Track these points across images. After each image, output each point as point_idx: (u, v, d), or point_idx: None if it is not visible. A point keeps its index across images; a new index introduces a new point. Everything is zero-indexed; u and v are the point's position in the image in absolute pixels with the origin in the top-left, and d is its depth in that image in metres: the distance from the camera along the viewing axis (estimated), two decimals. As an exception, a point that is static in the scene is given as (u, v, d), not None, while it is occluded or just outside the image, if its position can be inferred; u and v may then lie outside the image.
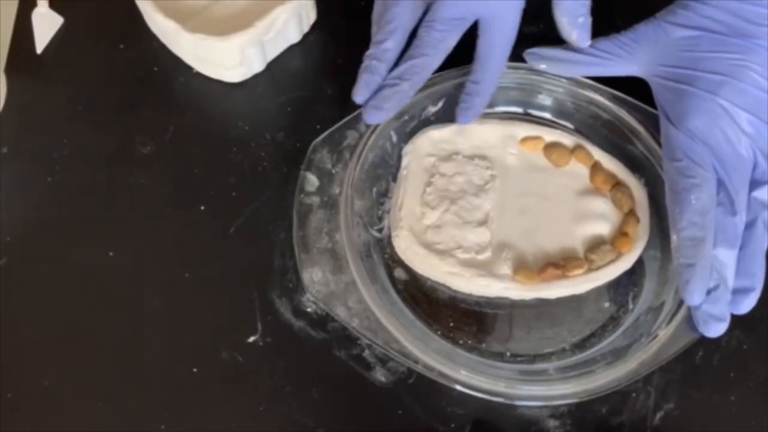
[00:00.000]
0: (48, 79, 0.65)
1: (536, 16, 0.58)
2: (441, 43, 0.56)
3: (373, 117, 0.56)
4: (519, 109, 0.62)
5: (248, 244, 0.58)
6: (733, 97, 0.54)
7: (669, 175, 0.54)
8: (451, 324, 0.55)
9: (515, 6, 0.57)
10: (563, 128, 0.61)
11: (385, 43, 0.56)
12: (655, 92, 0.57)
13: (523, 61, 0.59)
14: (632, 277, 0.56)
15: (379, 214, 0.58)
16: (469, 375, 0.51)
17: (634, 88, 0.59)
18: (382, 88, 0.56)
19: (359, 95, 0.56)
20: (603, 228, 0.57)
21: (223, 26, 0.62)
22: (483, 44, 0.57)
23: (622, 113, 0.60)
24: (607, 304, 0.56)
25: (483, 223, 0.57)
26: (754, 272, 0.53)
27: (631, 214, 0.57)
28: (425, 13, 0.57)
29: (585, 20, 0.57)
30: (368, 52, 0.56)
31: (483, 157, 0.59)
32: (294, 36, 0.65)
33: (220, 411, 0.53)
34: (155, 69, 0.65)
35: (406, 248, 0.56)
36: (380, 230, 0.58)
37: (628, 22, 0.58)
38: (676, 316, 0.53)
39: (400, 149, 0.60)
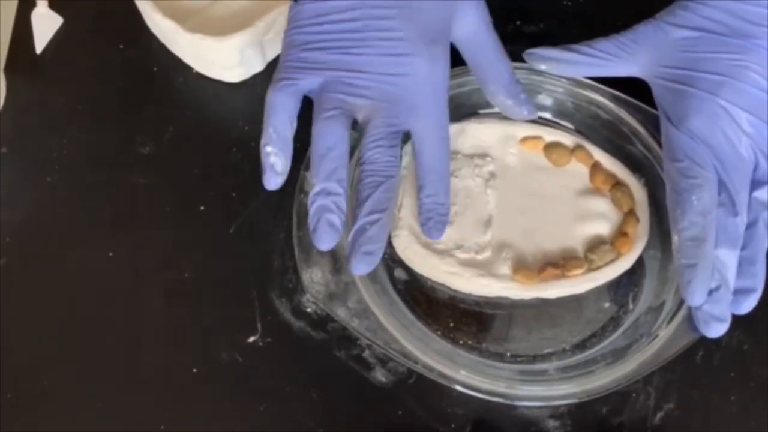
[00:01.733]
0: (48, 79, 0.65)
1: (536, 16, 0.58)
2: (395, 158, 0.52)
3: (369, 264, 0.50)
4: (519, 109, 0.62)
5: (248, 244, 0.58)
6: (734, 97, 0.54)
7: (670, 175, 0.54)
8: (451, 324, 0.55)
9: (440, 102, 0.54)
10: (563, 128, 0.61)
11: (338, 171, 0.51)
12: (655, 93, 0.57)
13: (523, 61, 0.59)
14: (632, 277, 0.56)
15: (379, 214, 0.58)
16: (469, 375, 0.52)
17: (634, 88, 0.59)
18: (362, 230, 0.50)
19: (325, 241, 0.50)
20: (603, 228, 0.57)
21: (223, 26, 0.62)
22: (425, 154, 0.53)
23: (623, 113, 0.60)
24: (607, 305, 0.56)
25: (483, 222, 0.57)
26: (756, 273, 0.52)
27: (631, 214, 0.57)
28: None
29: (526, 95, 0.58)
30: (316, 190, 0.50)
31: (483, 157, 0.59)
32: (294, 36, 0.65)
33: (220, 411, 0.53)
34: (155, 69, 0.65)
35: (406, 248, 0.56)
36: (380, 230, 0.58)
37: (628, 22, 0.58)
38: (677, 316, 0.53)
39: (400, 149, 0.60)
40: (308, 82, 0.53)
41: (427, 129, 0.54)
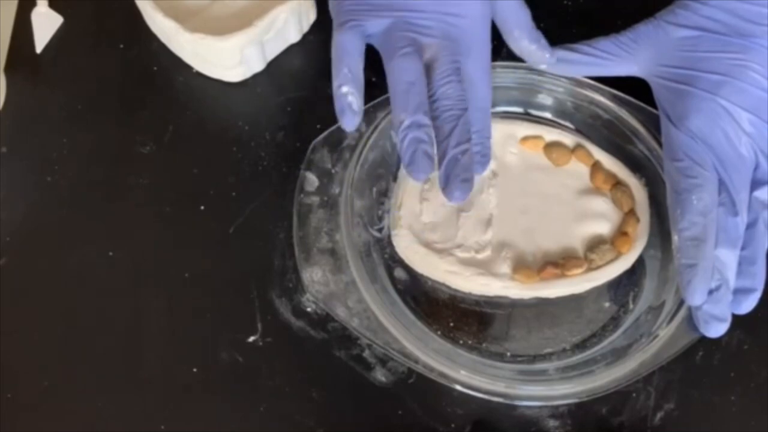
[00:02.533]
0: (48, 78, 0.65)
1: (536, 16, 0.58)
2: (464, 91, 0.53)
3: (466, 191, 0.51)
4: (519, 109, 0.62)
5: (248, 244, 0.58)
6: (734, 96, 0.54)
7: (670, 175, 0.54)
8: (451, 324, 0.55)
9: (486, 41, 0.55)
10: (564, 128, 0.61)
11: (423, 104, 0.52)
12: (655, 92, 0.57)
13: (523, 60, 0.59)
14: (632, 277, 0.56)
15: (379, 213, 0.58)
16: (469, 375, 0.52)
17: (634, 88, 0.59)
18: (454, 160, 0.51)
19: (423, 170, 0.51)
20: (603, 227, 0.57)
21: (223, 26, 0.62)
22: (477, 92, 0.54)
23: (623, 113, 0.59)
24: (607, 304, 0.56)
25: (483, 221, 0.57)
26: (756, 272, 0.52)
27: (631, 213, 0.57)
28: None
29: (546, 42, 0.58)
30: (407, 123, 0.51)
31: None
32: (294, 36, 0.65)
33: (220, 411, 0.53)
34: (155, 69, 0.65)
35: (406, 247, 0.56)
36: (380, 230, 0.58)
37: (628, 22, 0.58)
38: (677, 316, 0.53)
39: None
40: (374, 24, 0.54)
41: (479, 68, 0.55)
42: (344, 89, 0.52)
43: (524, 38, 0.57)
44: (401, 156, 0.51)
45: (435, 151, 0.51)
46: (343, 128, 0.53)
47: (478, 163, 0.54)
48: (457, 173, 0.51)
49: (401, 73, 0.52)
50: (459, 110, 0.52)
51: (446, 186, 0.51)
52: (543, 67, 0.59)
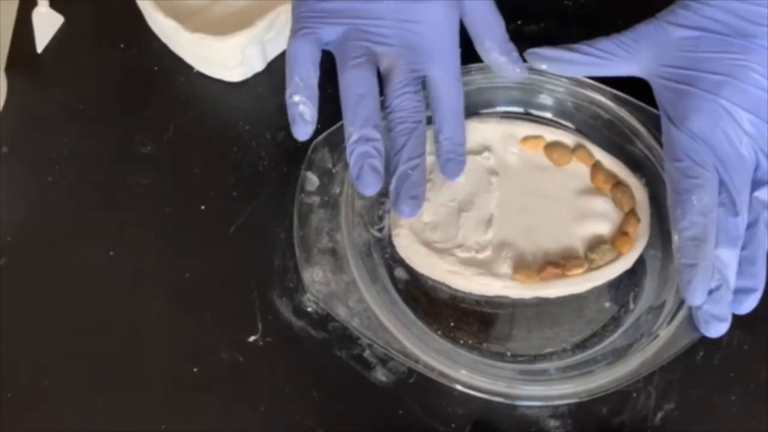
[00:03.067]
0: (48, 78, 0.65)
1: (536, 16, 0.58)
2: (421, 103, 0.54)
3: (415, 207, 0.52)
4: (520, 109, 0.62)
5: (248, 244, 0.58)
6: (734, 97, 0.54)
7: (670, 175, 0.54)
8: (452, 324, 0.55)
9: (453, 55, 0.55)
10: (564, 128, 0.61)
11: (373, 117, 0.51)
12: (656, 92, 0.57)
13: (523, 60, 0.59)
14: (633, 277, 0.56)
15: (379, 213, 0.58)
16: (470, 375, 0.52)
17: (635, 88, 0.59)
18: (404, 176, 0.51)
19: (370, 186, 0.51)
20: (603, 227, 0.57)
21: (224, 25, 0.62)
22: (443, 97, 0.54)
23: (623, 113, 0.59)
24: (607, 304, 0.56)
25: (483, 221, 0.57)
26: (756, 272, 0.52)
27: (631, 213, 0.57)
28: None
29: (517, 54, 0.58)
30: (354, 138, 0.51)
31: (483, 156, 0.59)
32: (294, 35, 0.65)
33: (220, 411, 0.53)
34: (155, 68, 0.65)
35: (407, 247, 0.56)
36: (381, 230, 0.58)
37: (628, 22, 0.58)
38: (677, 315, 0.53)
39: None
40: (329, 32, 0.53)
41: (444, 73, 0.54)
42: (296, 98, 0.52)
43: (495, 50, 0.57)
44: (350, 170, 0.51)
45: (382, 164, 0.51)
46: (295, 137, 0.52)
47: (451, 169, 0.54)
48: (406, 189, 0.51)
49: (351, 84, 0.52)
50: (413, 123, 0.52)
51: (395, 201, 0.52)
52: (543, 67, 0.59)
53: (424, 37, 0.54)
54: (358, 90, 0.52)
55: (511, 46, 0.57)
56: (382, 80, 0.54)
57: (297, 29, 0.54)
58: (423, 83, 0.55)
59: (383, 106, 0.53)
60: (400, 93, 0.52)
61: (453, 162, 0.54)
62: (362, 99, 0.52)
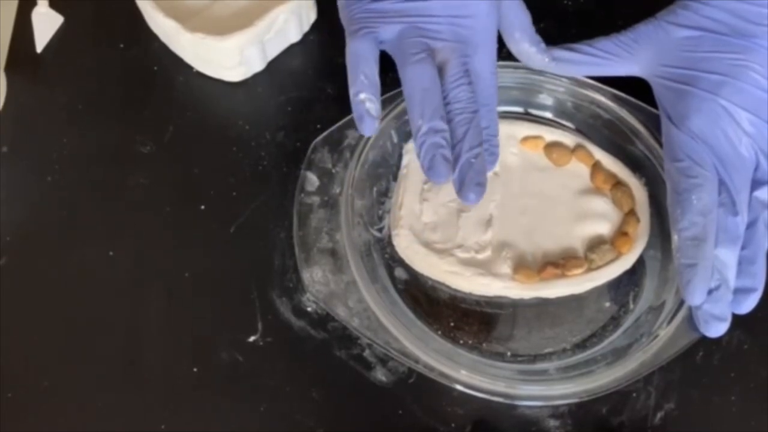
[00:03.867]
0: (48, 78, 0.65)
1: (536, 16, 0.58)
2: (474, 93, 0.54)
3: (480, 194, 0.52)
4: (520, 109, 0.62)
5: (248, 244, 0.58)
6: (734, 97, 0.54)
7: (670, 175, 0.54)
8: (452, 324, 0.55)
9: (492, 38, 0.56)
10: (564, 128, 0.61)
11: (440, 109, 0.52)
12: (656, 92, 0.57)
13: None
14: (633, 277, 0.56)
15: (379, 213, 0.58)
16: (470, 375, 0.52)
17: (635, 88, 0.59)
18: (468, 164, 0.52)
19: (443, 175, 0.51)
20: (603, 228, 0.57)
21: (224, 25, 0.62)
22: (484, 88, 0.55)
23: (623, 113, 0.59)
24: (607, 304, 0.56)
25: (483, 221, 0.57)
26: (756, 272, 0.52)
27: (631, 213, 0.57)
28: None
29: (546, 46, 0.58)
30: (424, 130, 0.51)
31: (483, 157, 0.59)
32: (294, 35, 0.65)
33: (220, 411, 0.53)
34: (155, 68, 0.65)
35: (407, 247, 0.56)
36: (380, 230, 0.58)
37: (628, 22, 0.58)
38: (677, 315, 0.53)
39: (401, 148, 0.60)
40: (386, 31, 0.54)
41: (486, 65, 0.55)
42: (362, 96, 0.52)
43: (525, 41, 0.57)
44: (420, 161, 0.52)
45: (450, 153, 0.52)
46: (361, 133, 0.53)
47: (487, 161, 0.54)
48: (472, 177, 0.52)
49: (416, 79, 0.53)
50: (470, 113, 0.53)
51: (461, 189, 0.52)
52: (542, 66, 0.59)
53: (472, 29, 0.55)
54: (423, 84, 0.53)
55: (539, 38, 0.58)
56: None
57: (356, 29, 0.54)
58: None
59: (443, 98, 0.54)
60: (456, 84, 0.53)
61: (488, 153, 0.54)
62: (427, 92, 0.52)
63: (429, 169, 0.51)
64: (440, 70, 0.54)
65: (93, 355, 0.55)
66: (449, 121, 0.53)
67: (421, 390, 0.53)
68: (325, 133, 0.59)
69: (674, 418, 0.53)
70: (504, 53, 0.60)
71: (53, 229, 0.59)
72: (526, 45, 0.58)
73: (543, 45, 0.58)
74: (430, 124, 0.52)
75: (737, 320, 0.52)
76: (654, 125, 0.58)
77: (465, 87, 0.53)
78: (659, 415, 0.53)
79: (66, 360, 0.55)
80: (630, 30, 0.58)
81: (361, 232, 0.57)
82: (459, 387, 0.51)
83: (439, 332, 0.55)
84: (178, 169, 0.61)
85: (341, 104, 0.60)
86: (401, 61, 0.54)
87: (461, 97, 0.53)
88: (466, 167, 0.52)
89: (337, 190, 0.57)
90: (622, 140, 0.60)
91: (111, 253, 0.58)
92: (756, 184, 0.54)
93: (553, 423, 0.53)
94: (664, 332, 0.53)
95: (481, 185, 0.52)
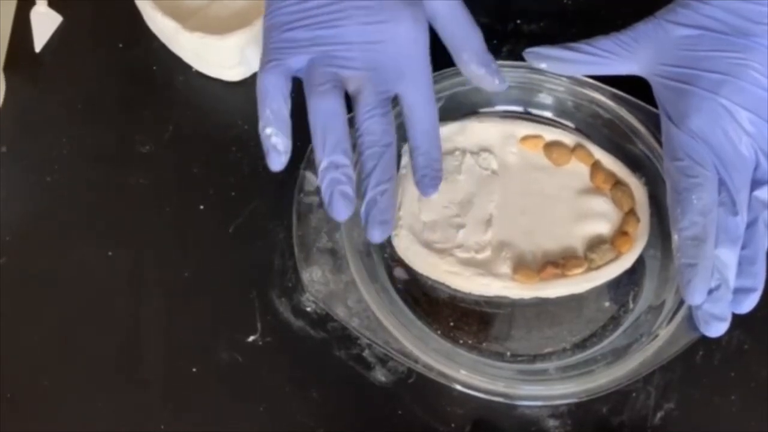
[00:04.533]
0: (47, 78, 0.65)
1: (536, 16, 0.58)
2: (391, 125, 0.53)
3: (384, 232, 0.52)
4: (519, 108, 0.62)
5: (248, 244, 0.58)
6: (734, 96, 0.53)
7: (670, 174, 0.54)
8: (451, 323, 0.55)
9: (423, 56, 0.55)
10: (564, 127, 0.61)
11: (342, 143, 0.51)
12: (655, 91, 0.57)
13: (523, 60, 0.59)
14: (632, 277, 0.56)
15: (379, 213, 0.58)
16: (469, 375, 0.52)
17: (635, 87, 0.59)
18: (373, 201, 0.51)
19: (342, 213, 0.51)
20: (603, 227, 0.57)
21: (223, 25, 0.62)
22: (416, 115, 0.54)
23: (623, 112, 0.59)
24: (607, 304, 0.56)
25: (483, 221, 0.57)
26: (756, 272, 0.52)
27: (631, 213, 0.57)
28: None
29: (497, 66, 0.57)
30: (324, 165, 0.51)
31: (483, 156, 0.59)
32: (294, 35, 0.65)
33: (220, 411, 0.53)
34: (155, 68, 0.65)
35: (406, 248, 0.56)
36: (380, 230, 0.58)
37: (628, 21, 0.58)
38: (677, 315, 0.53)
39: (400, 149, 0.60)
40: (296, 61, 0.53)
41: (415, 91, 0.54)
42: (268, 131, 0.52)
43: (473, 62, 0.57)
44: (322, 196, 0.51)
45: (353, 188, 0.51)
46: (269, 168, 0.53)
47: (427, 185, 0.54)
48: (375, 214, 0.51)
49: (317, 112, 0.52)
50: (382, 147, 0.52)
51: (365, 226, 0.51)
52: (543, 66, 0.59)
53: (392, 57, 0.53)
54: (324, 116, 0.52)
55: (489, 57, 0.57)
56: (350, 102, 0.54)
57: (266, 61, 0.53)
58: (394, 100, 0.55)
59: (353, 128, 0.53)
60: (368, 117, 0.52)
61: (428, 177, 0.54)
62: (329, 125, 0.52)
63: (328, 206, 0.51)
64: (354, 100, 0.53)
65: (93, 355, 0.55)
66: (360, 154, 0.52)
67: (421, 390, 0.53)
68: (324, 133, 0.59)
69: (674, 418, 0.53)
70: (504, 53, 0.60)
71: (53, 229, 0.59)
72: (474, 66, 0.57)
73: (494, 66, 0.57)
74: (330, 159, 0.51)
75: (737, 320, 0.52)
76: (654, 124, 0.58)
77: (377, 119, 0.52)
78: (659, 415, 0.53)
79: (66, 360, 0.55)
80: (630, 29, 0.58)
81: (361, 232, 0.57)
82: (458, 387, 0.51)
83: (439, 332, 0.55)
84: (178, 169, 0.61)
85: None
86: (307, 93, 0.53)
87: (372, 129, 0.52)
88: (371, 204, 0.51)
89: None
90: (622, 139, 0.60)
91: (111, 253, 0.58)
92: (756, 183, 0.54)
93: (552, 423, 0.53)
94: (664, 332, 0.53)
95: (384, 223, 0.51)
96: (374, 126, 0.52)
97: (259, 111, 0.53)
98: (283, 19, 0.54)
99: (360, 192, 0.52)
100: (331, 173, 0.51)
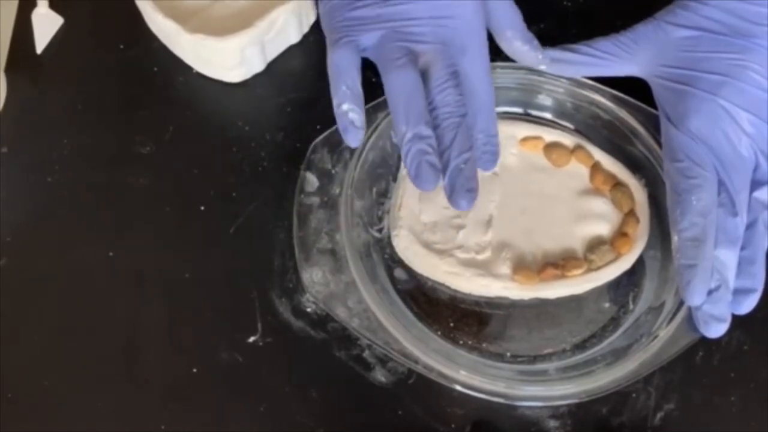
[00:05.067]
0: (48, 79, 0.65)
1: (536, 17, 0.58)
2: (462, 96, 0.53)
3: (471, 200, 0.51)
4: (519, 109, 0.62)
5: (248, 244, 0.58)
6: (733, 97, 0.54)
7: (670, 175, 0.54)
8: (451, 324, 0.55)
9: (481, 35, 0.55)
10: (563, 128, 0.61)
11: (424, 114, 0.52)
12: (655, 92, 0.57)
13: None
14: (632, 278, 0.56)
15: (379, 214, 0.58)
16: (469, 375, 0.52)
17: (634, 89, 0.59)
18: (458, 170, 0.51)
19: (430, 182, 0.51)
20: (603, 228, 0.57)
21: (223, 26, 0.62)
22: (477, 91, 0.54)
23: (623, 113, 0.59)
24: (607, 305, 0.56)
25: (483, 222, 0.57)
26: (755, 273, 0.52)
27: (631, 214, 0.57)
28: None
29: (538, 43, 0.57)
30: (409, 136, 0.51)
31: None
32: (294, 36, 0.65)
33: (220, 411, 0.53)
34: (155, 69, 0.65)
35: (406, 248, 0.56)
36: (380, 230, 0.58)
37: (628, 22, 0.58)
38: (677, 316, 0.53)
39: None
40: (368, 38, 0.54)
41: (476, 66, 0.54)
42: (345, 107, 0.52)
43: (517, 39, 0.57)
44: (407, 168, 0.52)
45: (437, 159, 0.51)
46: (347, 144, 0.53)
47: (487, 161, 0.54)
48: (462, 183, 0.51)
49: (398, 86, 0.52)
50: (458, 117, 0.52)
51: (451, 195, 0.51)
52: (542, 67, 0.59)
53: (457, 31, 0.54)
54: (405, 90, 0.52)
55: (531, 35, 0.57)
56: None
57: (336, 39, 0.54)
58: None
59: (428, 103, 0.53)
60: (442, 89, 0.53)
61: (489, 153, 0.54)
62: (410, 98, 0.52)
63: (416, 177, 0.51)
64: (425, 74, 0.53)
65: (93, 355, 0.55)
66: (436, 127, 0.52)
67: (421, 390, 0.53)
68: (325, 134, 0.59)
69: (674, 419, 0.53)
70: (504, 54, 0.60)
71: (53, 229, 0.59)
72: (519, 43, 0.57)
73: (536, 42, 0.57)
74: (415, 131, 0.51)
75: (737, 320, 0.52)
76: (653, 126, 0.58)
77: (451, 90, 0.53)
78: (659, 415, 0.53)
79: (66, 360, 0.55)
80: (629, 30, 0.58)
81: (361, 233, 0.57)
82: (459, 387, 0.51)
83: (439, 333, 0.55)
84: (178, 169, 0.61)
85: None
86: (383, 68, 0.53)
87: (447, 101, 0.52)
88: (456, 173, 0.51)
89: (337, 191, 0.57)
90: (622, 141, 0.60)
91: (111, 253, 0.58)
92: (755, 184, 0.54)
93: (552, 423, 0.53)
94: (664, 332, 0.53)
95: (471, 191, 0.51)
96: (449, 98, 0.52)
97: (332, 88, 0.53)
98: None
99: (442, 163, 0.52)
100: (417, 144, 0.51)
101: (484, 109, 0.54)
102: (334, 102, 0.52)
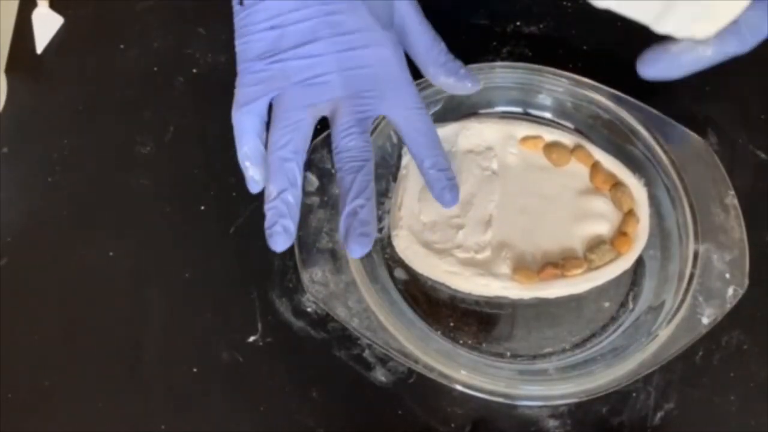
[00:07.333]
0: (48, 79, 0.65)
1: (536, 16, 0.58)
2: (368, 143, 0.53)
3: (365, 245, 0.51)
4: (519, 109, 0.62)
5: (248, 244, 0.58)
6: None
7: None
8: (452, 324, 0.55)
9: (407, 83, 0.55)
10: (563, 128, 0.61)
11: (297, 177, 0.52)
12: None
13: (522, 60, 0.59)
14: (632, 277, 0.56)
15: (379, 214, 0.58)
16: (469, 375, 0.52)
17: (635, 88, 0.59)
18: (353, 214, 0.51)
19: (278, 245, 0.51)
20: (602, 228, 0.57)
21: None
22: (411, 132, 0.54)
23: (623, 113, 0.59)
24: (607, 304, 0.56)
25: (483, 222, 0.57)
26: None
27: (630, 213, 0.57)
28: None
29: (465, 70, 0.56)
30: (271, 203, 0.52)
31: (482, 157, 0.59)
32: (294, 36, 0.65)
33: (220, 411, 0.53)
34: (155, 69, 0.65)
35: (406, 248, 0.56)
36: (380, 230, 0.58)
37: (628, 22, 0.58)
38: (677, 315, 0.53)
39: (400, 149, 0.60)
40: (269, 98, 0.54)
41: (401, 110, 0.54)
42: (246, 164, 0.54)
43: (441, 74, 0.56)
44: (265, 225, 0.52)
45: (295, 224, 0.52)
46: (250, 192, 0.54)
47: (448, 198, 0.54)
48: (355, 227, 0.51)
49: (281, 146, 0.53)
50: (360, 162, 0.52)
51: (345, 239, 0.51)
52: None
53: (369, 80, 0.54)
54: (285, 153, 0.52)
55: (457, 65, 0.56)
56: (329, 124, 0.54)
57: (241, 103, 0.54)
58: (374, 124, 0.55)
59: (333, 148, 0.53)
60: (344, 135, 0.52)
61: (446, 189, 0.54)
62: (287, 162, 0.52)
63: (268, 238, 0.51)
64: (331, 121, 0.53)
65: (93, 355, 0.55)
66: (339, 170, 0.52)
67: (421, 390, 0.53)
68: (325, 134, 0.59)
69: (674, 418, 0.53)
70: (504, 53, 0.60)
71: (53, 229, 0.59)
72: (443, 78, 0.56)
73: (462, 71, 0.56)
74: (279, 190, 0.52)
75: (737, 320, 0.53)
76: (653, 125, 0.58)
77: (355, 136, 0.52)
78: (659, 415, 0.53)
79: (66, 360, 0.55)
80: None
81: (361, 233, 0.57)
82: (459, 387, 0.51)
83: (439, 332, 0.55)
84: (178, 169, 0.61)
85: (341, 104, 0.60)
86: (275, 122, 0.53)
87: (350, 146, 0.52)
88: (350, 217, 0.51)
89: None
90: (622, 140, 0.60)
91: (111, 253, 0.58)
92: None
93: (552, 423, 0.53)
94: (664, 332, 0.53)
95: (365, 236, 0.51)
96: (351, 143, 0.52)
97: (236, 145, 0.54)
98: (257, 46, 0.54)
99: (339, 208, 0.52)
100: (279, 205, 0.52)
101: (425, 146, 0.54)
102: (238, 156, 0.54)
